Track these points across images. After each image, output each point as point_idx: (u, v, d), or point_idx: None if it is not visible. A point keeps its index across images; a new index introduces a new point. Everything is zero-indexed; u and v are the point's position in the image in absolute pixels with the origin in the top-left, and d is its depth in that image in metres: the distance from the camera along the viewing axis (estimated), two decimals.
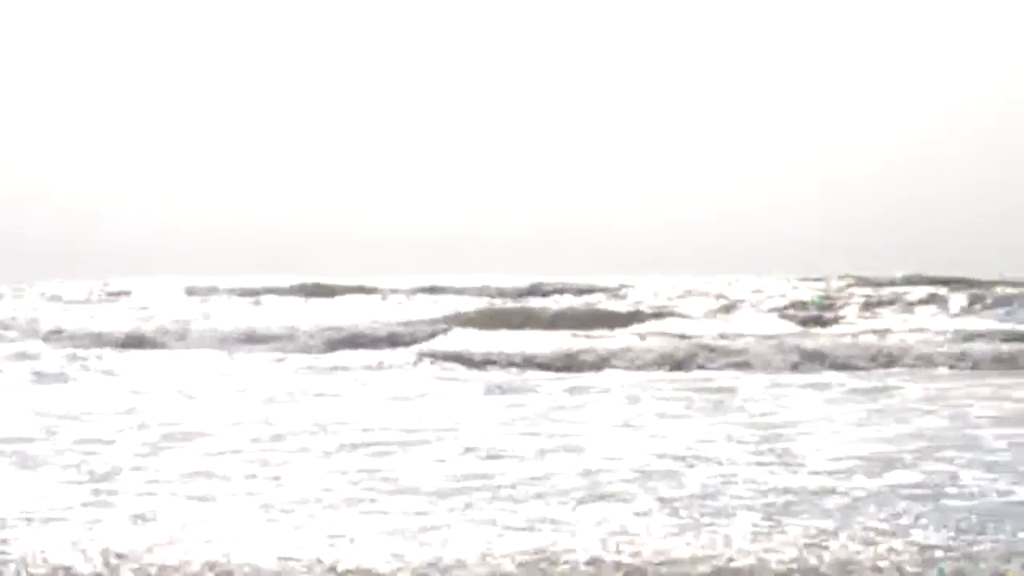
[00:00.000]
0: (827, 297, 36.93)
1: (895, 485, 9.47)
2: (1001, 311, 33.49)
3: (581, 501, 8.85)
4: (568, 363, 19.97)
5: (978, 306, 34.34)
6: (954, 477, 9.81)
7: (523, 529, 7.92)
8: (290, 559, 7.14)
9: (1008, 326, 26.36)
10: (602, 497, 8.98)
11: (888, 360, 20.27)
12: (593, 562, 7.06)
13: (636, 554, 7.25)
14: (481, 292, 41.24)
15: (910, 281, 39.54)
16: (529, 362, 20.03)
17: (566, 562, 7.10)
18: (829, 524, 8.07)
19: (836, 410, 14.53)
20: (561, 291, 41.36)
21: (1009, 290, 37.29)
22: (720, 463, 10.51)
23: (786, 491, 9.23)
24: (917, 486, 9.45)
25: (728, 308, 36.12)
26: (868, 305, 35.52)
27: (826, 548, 7.41)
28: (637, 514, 8.39)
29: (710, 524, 8.07)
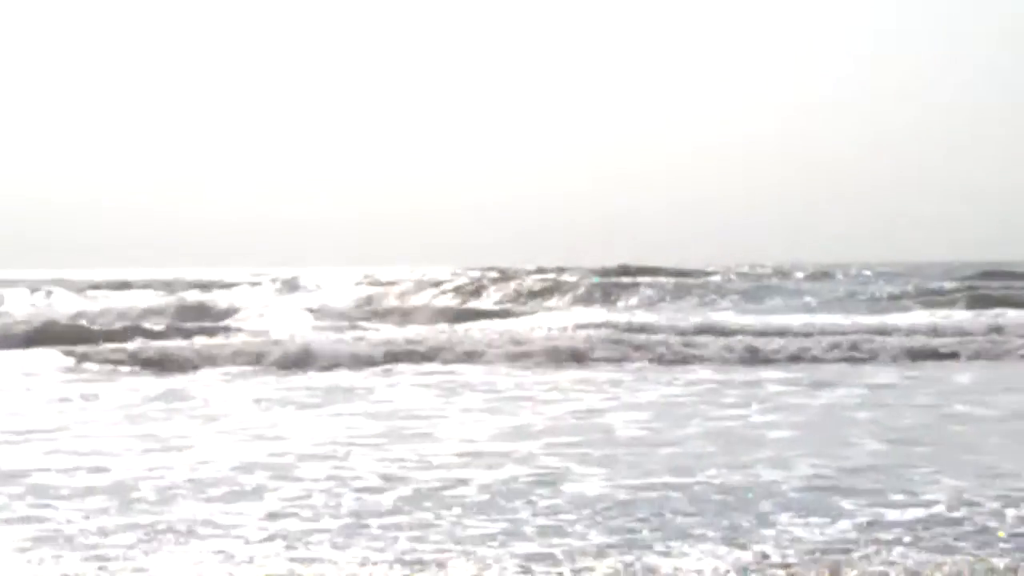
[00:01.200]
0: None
1: (518, 477, 9.57)
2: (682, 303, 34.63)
3: (214, 500, 8.71)
4: (165, 361, 19.44)
5: (624, 298, 35.23)
6: (574, 467, 10.05)
7: (178, 532, 7.75)
8: None
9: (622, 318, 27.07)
10: (239, 498, 8.84)
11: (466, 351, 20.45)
12: None
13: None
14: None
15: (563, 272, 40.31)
16: (132, 358, 19.44)
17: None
18: (461, 521, 8.19)
19: (456, 401, 14.68)
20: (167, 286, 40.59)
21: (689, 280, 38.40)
22: (342, 458, 10.40)
23: (413, 483, 9.27)
24: (541, 473, 9.66)
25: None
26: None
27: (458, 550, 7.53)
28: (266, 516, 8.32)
29: (353, 530, 8.06)
